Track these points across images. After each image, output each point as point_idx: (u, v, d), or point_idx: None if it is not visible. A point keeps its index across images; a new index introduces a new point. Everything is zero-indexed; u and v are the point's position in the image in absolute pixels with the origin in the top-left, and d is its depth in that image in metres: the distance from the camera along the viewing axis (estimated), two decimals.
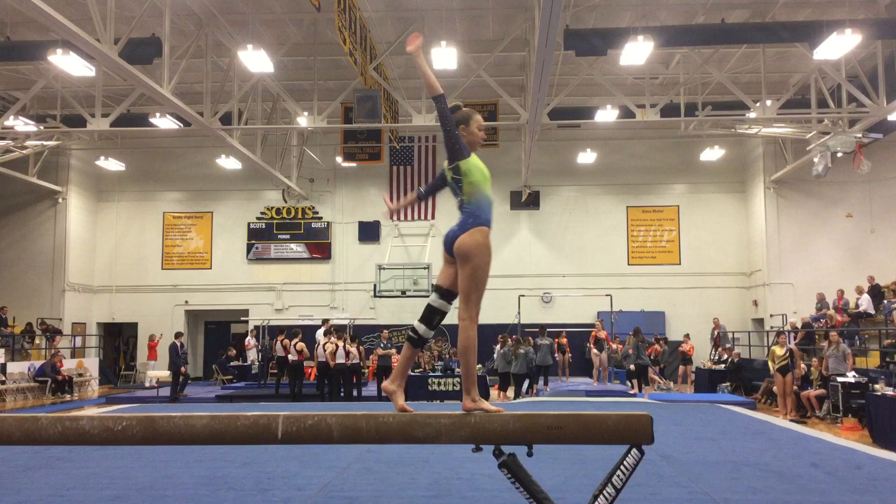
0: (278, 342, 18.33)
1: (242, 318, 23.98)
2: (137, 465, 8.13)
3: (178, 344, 18.19)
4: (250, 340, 22.22)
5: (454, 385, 17.01)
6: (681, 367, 20.64)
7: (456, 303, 4.11)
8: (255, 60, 14.98)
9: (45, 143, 21.49)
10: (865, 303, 17.51)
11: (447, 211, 24.51)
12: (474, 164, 4.13)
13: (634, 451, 3.73)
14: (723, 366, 19.33)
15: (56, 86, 18.61)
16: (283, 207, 24.98)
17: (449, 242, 4.10)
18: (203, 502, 6.40)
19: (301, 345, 17.39)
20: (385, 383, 4.08)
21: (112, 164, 23.25)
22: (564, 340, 20.43)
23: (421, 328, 4.12)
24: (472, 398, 3.89)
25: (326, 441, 3.76)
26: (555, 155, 23.88)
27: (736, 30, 15.64)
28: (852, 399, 12.59)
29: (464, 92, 17.84)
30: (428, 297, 16.86)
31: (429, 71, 4.07)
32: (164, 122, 18.60)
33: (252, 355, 21.88)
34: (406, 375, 4.24)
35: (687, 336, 21.14)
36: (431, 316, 4.12)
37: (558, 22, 11.08)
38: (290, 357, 17.59)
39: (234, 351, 22.92)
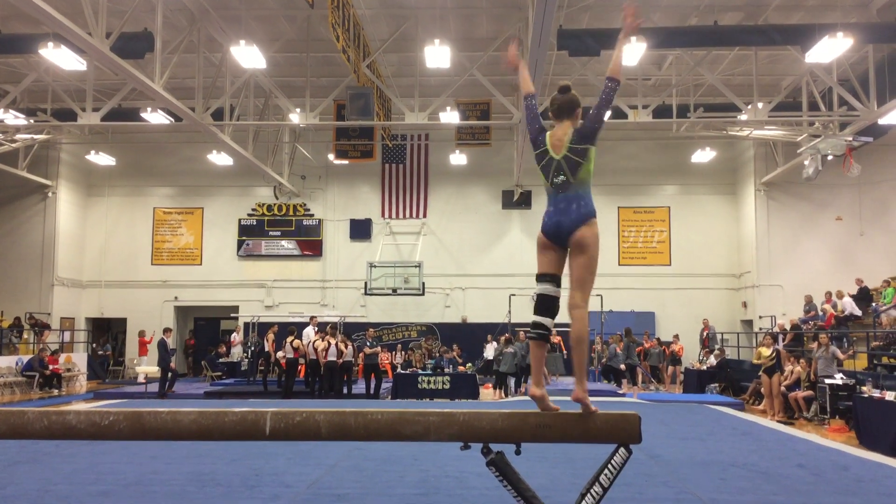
0: (266, 340, 18.29)
1: (232, 315, 23.90)
2: (124, 460, 8.10)
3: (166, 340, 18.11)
4: (235, 336, 22.14)
5: (444, 383, 17.03)
6: (669, 368, 20.69)
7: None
8: (248, 56, 14.94)
9: (35, 136, 21.36)
10: (849, 306, 17.60)
11: (439, 210, 24.55)
12: (595, 153, 4.14)
13: (622, 450, 3.74)
14: (705, 367, 19.42)
15: (47, 79, 18.50)
16: (275, 204, 24.93)
17: (562, 231, 4.01)
18: (190, 498, 6.38)
19: (297, 342, 17.36)
20: (532, 390, 3.94)
21: (102, 159, 23.14)
22: (558, 339, 20.43)
23: (548, 321, 4.02)
24: (585, 389, 3.86)
25: (315, 437, 3.75)
26: None
27: (728, 32, 15.68)
28: (840, 401, 12.66)
29: (457, 90, 17.86)
30: (419, 294, 16.86)
31: (527, 75, 4.64)
32: (155, 117, 18.53)
33: (238, 351, 21.80)
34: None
35: (676, 337, 21.20)
36: (552, 305, 4.04)
37: (552, 22, 11.09)
38: (285, 354, 17.54)
39: (224, 347, 22.86)
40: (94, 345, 24.58)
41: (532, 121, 4.37)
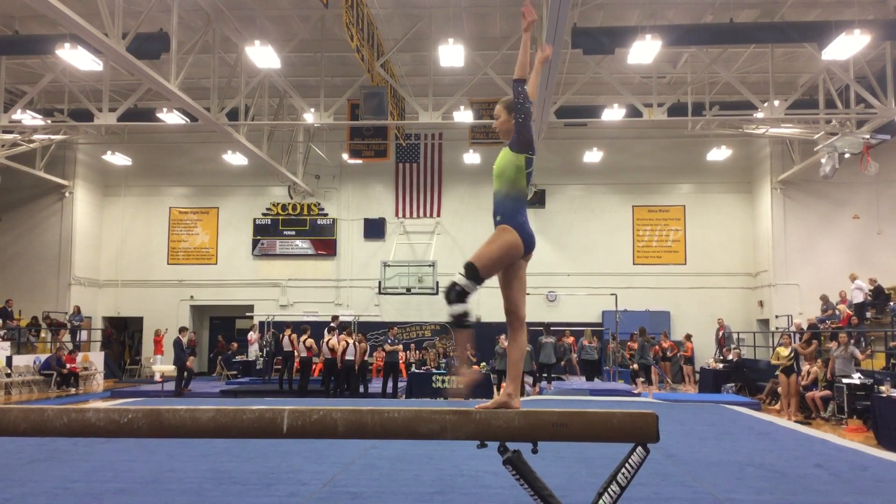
0: (285, 337, 18.36)
1: (247, 314, 24.01)
2: (142, 458, 8.15)
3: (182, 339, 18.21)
4: (253, 335, 22.25)
5: (458, 383, 17.02)
6: (683, 367, 20.61)
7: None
8: (263, 56, 15.00)
9: (52, 137, 21.53)
10: (860, 294, 17.46)
11: (453, 209, 24.53)
12: None
13: (639, 449, 3.71)
14: (721, 366, 19.31)
15: (64, 80, 18.66)
16: (289, 204, 25.01)
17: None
18: (207, 496, 6.41)
19: (310, 341, 17.43)
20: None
21: (119, 159, 23.30)
22: (571, 340, 20.38)
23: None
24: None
25: (331, 436, 3.75)
26: (561, 153, 23.84)
27: (744, 29, 15.59)
28: (857, 401, 12.56)
29: (471, 89, 17.83)
30: (433, 294, 16.88)
31: (527, 51, 3.99)
32: (170, 118, 18.64)
33: (255, 350, 21.90)
34: None
35: (688, 336, 21.10)
36: None
37: (566, 20, 11.07)
38: (299, 353, 17.61)
39: (236, 345, 23.00)
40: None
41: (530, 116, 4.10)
